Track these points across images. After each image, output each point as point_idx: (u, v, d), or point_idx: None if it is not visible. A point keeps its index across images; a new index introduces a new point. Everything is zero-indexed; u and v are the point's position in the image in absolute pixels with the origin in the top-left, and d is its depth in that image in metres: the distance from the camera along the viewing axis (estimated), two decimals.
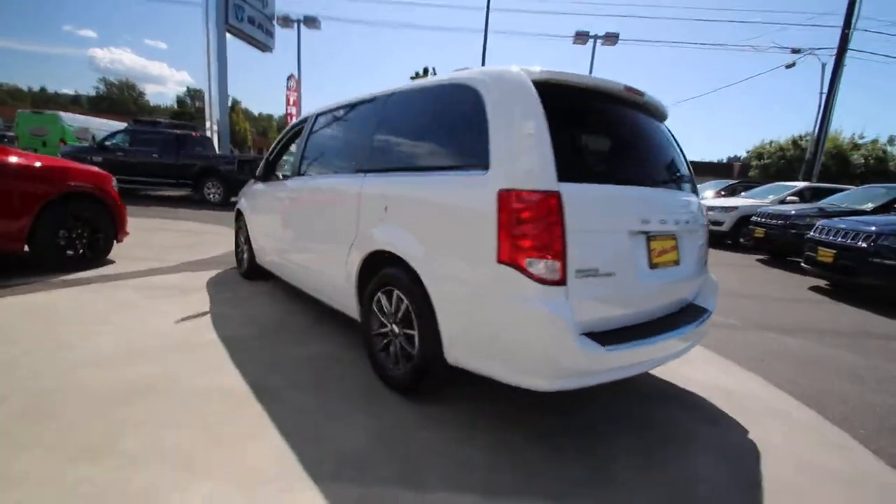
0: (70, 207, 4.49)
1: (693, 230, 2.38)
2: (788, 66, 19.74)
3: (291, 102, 19.13)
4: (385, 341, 2.49)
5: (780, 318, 4.66)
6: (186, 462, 1.77)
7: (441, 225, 2.06)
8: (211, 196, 11.41)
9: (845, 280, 5.58)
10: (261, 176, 4.18)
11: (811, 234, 6.27)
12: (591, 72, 19.62)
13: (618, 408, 2.44)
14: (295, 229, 3.38)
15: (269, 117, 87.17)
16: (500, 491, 1.72)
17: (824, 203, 8.38)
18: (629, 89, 2.20)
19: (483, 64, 18.53)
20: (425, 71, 31.59)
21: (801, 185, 10.53)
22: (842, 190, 9.25)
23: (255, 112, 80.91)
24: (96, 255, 4.80)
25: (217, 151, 13.64)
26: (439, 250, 2.05)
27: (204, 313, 3.50)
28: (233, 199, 11.74)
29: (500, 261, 1.79)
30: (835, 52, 17.35)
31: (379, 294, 2.47)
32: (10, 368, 2.41)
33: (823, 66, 18.41)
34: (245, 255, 4.67)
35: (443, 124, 2.27)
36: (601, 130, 2.10)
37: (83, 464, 1.72)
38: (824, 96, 17.66)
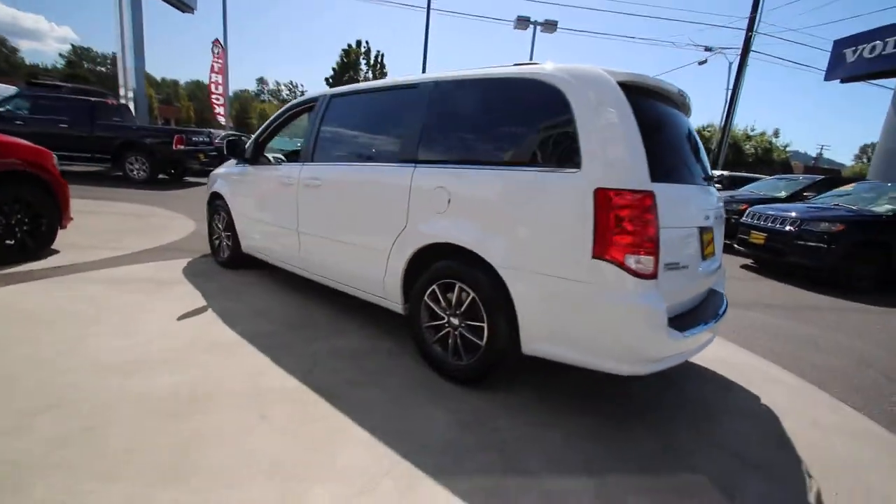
0: (7, 189, 3.83)
1: (720, 222, 2.64)
2: (701, 63, 21.73)
3: (217, 70, 17.31)
4: (440, 333, 2.49)
5: (732, 294, 5.29)
6: (285, 471, 1.68)
7: (524, 221, 2.08)
8: (134, 173, 10.18)
9: (775, 259, 6.43)
10: (250, 158, 3.85)
11: (744, 218, 7.11)
12: (531, 56, 20.13)
13: (657, 389, 2.67)
14: (311, 219, 3.19)
15: (175, 83, 78.56)
16: (600, 469, 1.85)
17: (745, 191, 9.51)
18: (680, 92, 2.36)
19: (426, 40, 18.23)
20: (358, 43, 30.32)
21: (719, 173, 11.79)
22: (756, 179, 10.53)
23: (158, 77, 72.09)
24: (39, 244, 4.17)
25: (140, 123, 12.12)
26: (522, 246, 2.08)
27: (203, 308, 3.22)
28: (161, 176, 10.62)
29: (596, 256, 1.88)
30: (740, 52, 19.42)
31: (434, 287, 2.46)
32: (20, 384, 2.08)
33: (730, 64, 20.56)
34: (225, 243, 4.31)
35: (513, 119, 2.27)
36: (665, 131, 2.23)
37: (169, 488, 1.56)
38: (730, 92, 19.79)
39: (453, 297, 2.40)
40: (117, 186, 9.38)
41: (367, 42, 30.66)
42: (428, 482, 1.68)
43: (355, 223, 2.87)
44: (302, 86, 77.36)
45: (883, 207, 6.16)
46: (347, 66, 29.00)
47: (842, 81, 17.65)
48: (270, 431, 1.89)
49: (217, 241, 4.46)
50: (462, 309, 2.36)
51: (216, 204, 4.35)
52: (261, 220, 3.75)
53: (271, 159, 4.04)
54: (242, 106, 64.40)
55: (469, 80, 2.43)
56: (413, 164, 2.53)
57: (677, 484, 1.82)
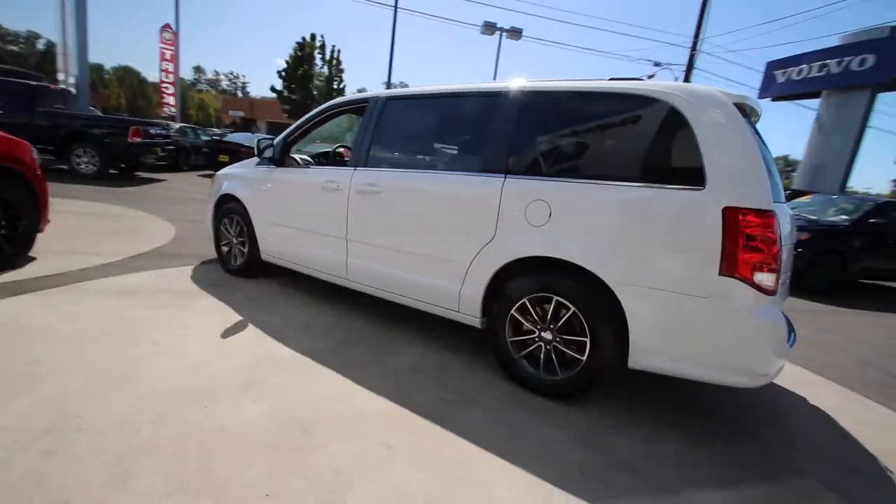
0: None
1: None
2: (649, 77, 23.11)
3: (168, 57, 15.91)
4: (530, 348, 2.45)
5: None
6: None
7: (642, 237, 2.09)
8: (82, 167, 9.16)
9: None
10: (277, 159, 3.58)
11: None
12: (497, 62, 20.42)
13: (716, 395, 2.78)
14: (365, 227, 3.02)
15: (99, 67, 71.76)
16: (730, 480, 1.90)
17: None
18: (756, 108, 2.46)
19: (393, 39, 17.96)
20: (312, 37, 29.25)
21: None
22: None
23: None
24: (17, 249, 3.63)
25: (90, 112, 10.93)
26: (639, 262, 2.09)
27: (242, 324, 2.96)
28: (112, 171, 9.65)
29: (724, 273, 1.93)
30: (685, 68, 20.92)
31: (524, 301, 2.41)
32: (96, 421, 1.78)
33: (675, 79, 22.09)
34: (237, 250, 3.99)
35: (622, 134, 2.28)
36: (762, 150, 2.33)
37: None
38: None
39: (548, 311, 2.36)
40: (63, 181, 8.38)
41: (322, 36, 29.65)
42: None
43: (427, 234, 2.75)
44: (243, 77, 73.44)
45: (839, 217, 6.87)
46: (302, 61, 27.83)
47: (773, 100, 19.54)
48: (405, 463, 1.76)
49: (227, 248, 4.11)
50: (558, 324, 2.33)
51: (227, 207, 4.01)
52: (291, 226, 3.50)
53: (299, 161, 3.79)
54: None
55: (568, 91, 2.41)
56: (503, 175, 2.46)
57: (799, 490, 1.91)
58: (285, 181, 3.56)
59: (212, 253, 4.57)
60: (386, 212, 2.91)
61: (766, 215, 1.90)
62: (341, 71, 30.33)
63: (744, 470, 2.00)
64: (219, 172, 4.32)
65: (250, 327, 2.91)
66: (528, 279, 2.39)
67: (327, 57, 29.53)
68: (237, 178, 3.96)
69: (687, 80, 20.46)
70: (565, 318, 2.30)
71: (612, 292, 2.15)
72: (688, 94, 2.09)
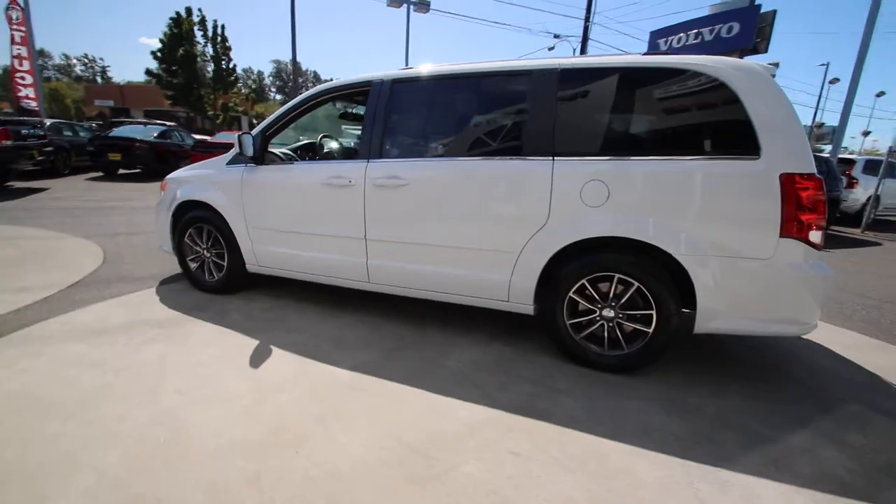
0: None
1: None
2: (550, 49, 24.16)
3: (19, 41, 12.86)
4: (593, 327, 2.48)
5: None
6: None
7: (703, 208, 2.17)
8: None
9: None
10: (258, 157, 3.14)
11: None
12: (407, 35, 19.86)
13: (752, 350, 3.05)
14: (390, 224, 2.78)
15: None
16: (808, 420, 2.11)
17: None
18: None
19: (293, 16, 16.56)
20: (189, 11, 25.94)
21: None
22: None
23: None
24: None
25: None
26: (703, 232, 2.17)
27: (264, 349, 2.62)
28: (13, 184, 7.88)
29: (785, 235, 2.08)
30: (580, 39, 22.15)
31: (583, 281, 2.42)
32: (175, 496, 1.46)
33: (574, 50, 23.31)
34: (213, 263, 3.49)
35: (669, 109, 2.31)
36: None
37: None
38: None
39: (609, 289, 2.40)
40: None
41: (200, 10, 26.41)
42: (743, 478, 1.69)
43: (466, 226, 2.61)
44: (101, 60, 63.58)
45: None
46: (180, 39, 24.57)
47: None
48: (546, 468, 1.69)
49: (197, 263, 3.57)
50: (621, 300, 2.38)
51: (192, 217, 3.46)
52: (288, 231, 3.12)
53: (282, 157, 3.37)
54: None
55: (610, 67, 2.38)
56: (550, 157, 2.40)
57: (850, 414, 2.18)
58: (274, 181, 3.14)
59: (167, 270, 3.98)
60: (415, 206, 2.70)
61: (815, 178, 2.07)
62: (228, 49, 27.49)
63: (803, 407, 2.23)
64: (170, 177, 3.70)
65: (277, 351, 2.58)
66: (586, 260, 2.39)
67: (209, 33, 26.48)
68: (203, 182, 3.42)
69: (583, 50, 21.73)
70: (629, 294, 2.35)
71: (677, 264, 2.23)
72: (732, 66, 2.18)
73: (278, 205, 3.14)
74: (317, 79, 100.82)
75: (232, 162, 3.30)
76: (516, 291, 2.58)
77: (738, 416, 2.10)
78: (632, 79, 2.36)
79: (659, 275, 2.28)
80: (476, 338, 2.87)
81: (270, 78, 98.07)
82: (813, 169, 2.08)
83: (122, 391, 2.09)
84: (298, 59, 17.69)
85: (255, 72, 76.13)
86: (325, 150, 3.91)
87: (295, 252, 3.15)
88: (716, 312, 2.24)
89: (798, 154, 2.09)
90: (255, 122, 38.74)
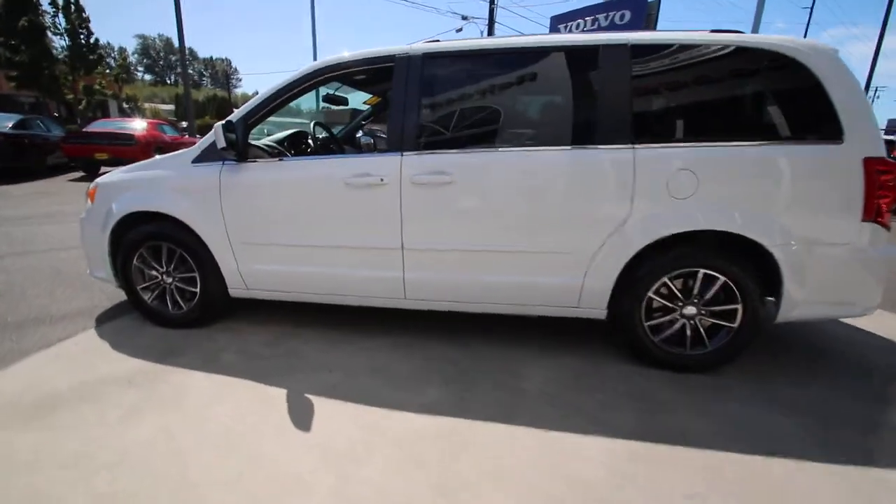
0: None
1: None
2: (458, 31, 24.04)
3: None
4: (674, 328, 2.32)
5: None
6: None
7: (789, 195, 2.08)
8: None
9: None
10: (241, 152, 2.45)
11: None
12: (314, 22, 18.31)
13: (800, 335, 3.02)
14: (434, 229, 2.32)
15: None
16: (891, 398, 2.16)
17: None
18: None
19: None
20: None
21: None
22: None
23: None
24: None
25: None
26: (790, 220, 2.09)
27: (295, 398, 2.07)
28: None
29: (866, 219, 2.07)
30: (487, 21, 22.36)
31: (665, 279, 2.25)
32: None
33: (481, 32, 23.47)
34: (177, 290, 2.75)
35: (745, 91, 2.18)
36: None
37: None
38: None
39: (692, 285, 2.25)
40: None
41: None
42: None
43: (530, 227, 2.27)
44: None
45: None
46: (20, 6, 19.89)
47: None
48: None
49: (155, 292, 2.78)
50: (705, 296, 2.25)
51: (143, 233, 2.66)
52: (294, 244, 2.51)
53: (268, 150, 2.70)
54: None
55: (681, 44, 2.16)
56: (629, 146, 2.15)
57: None
58: (270, 183, 2.49)
59: (99, 301, 3.15)
60: (466, 206, 2.29)
61: (890, 162, 2.08)
62: (86, 21, 23.12)
63: (874, 385, 2.30)
64: (101, 181, 2.81)
65: (316, 400, 2.04)
66: (670, 256, 2.21)
67: (60, 1, 22.00)
68: (158, 187, 2.62)
69: (490, 33, 21.98)
70: (714, 289, 2.22)
71: (765, 254, 2.13)
72: (809, 47, 2.09)
73: (277, 213, 2.50)
74: (193, 56, 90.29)
75: (201, 159, 2.56)
76: (589, 296, 2.32)
77: (833, 406, 2.08)
78: (706, 57, 2.18)
79: (746, 266, 2.18)
80: (530, 350, 2.57)
81: (136, 56, 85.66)
82: (883, 152, 2.09)
83: (134, 495, 1.45)
84: (169, 34, 15.21)
85: (116, 48, 65.46)
86: (322, 141, 3.25)
87: (303, 270, 2.55)
88: (798, 300, 2.20)
89: (875, 138, 2.08)
90: (126, 106, 33.33)
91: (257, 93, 2.60)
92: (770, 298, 2.26)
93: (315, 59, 19.96)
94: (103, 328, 2.74)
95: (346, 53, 2.48)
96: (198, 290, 2.70)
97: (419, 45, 2.37)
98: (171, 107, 42.37)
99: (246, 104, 2.54)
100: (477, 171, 2.26)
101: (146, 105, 40.37)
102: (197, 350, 2.49)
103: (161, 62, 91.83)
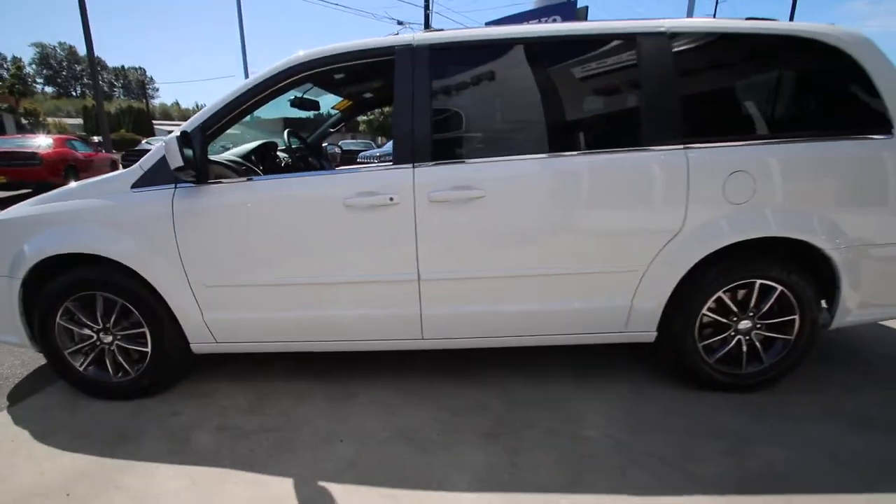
0: None
1: None
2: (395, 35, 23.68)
3: None
4: (729, 346, 2.08)
5: None
6: None
7: (847, 195, 1.92)
8: None
9: None
10: (199, 172, 1.91)
11: None
12: (241, 20, 17.12)
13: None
14: (459, 255, 1.94)
15: None
16: None
17: None
18: None
19: None
20: None
21: None
22: None
23: None
24: None
25: None
26: (848, 221, 1.91)
27: (321, 495, 1.60)
28: None
29: None
30: (423, 27, 22.21)
31: (720, 294, 2.01)
32: None
33: None
34: (120, 350, 2.15)
35: (791, 83, 1.99)
36: None
37: None
38: None
39: (747, 298, 2.02)
40: None
41: None
42: None
43: (571, 244, 1.94)
44: None
45: None
46: None
47: None
48: None
49: (88, 357, 2.16)
50: (761, 309, 2.03)
51: (70, 281, 2.05)
52: (278, 283, 2.01)
53: (234, 167, 2.18)
54: None
55: (720, 33, 1.93)
56: (681, 146, 1.88)
57: None
58: (240, 208, 1.97)
59: (7, 372, 2.41)
60: (496, 225, 1.91)
61: None
62: None
63: None
64: (2, 217, 2.13)
65: (334, 488, 1.58)
66: (725, 268, 1.97)
67: None
68: (85, 221, 2.01)
69: None
70: (771, 300, 2.01)
71: (822, 259, 1.95)
72: (849, 35, 1.92)
73: (253, 246, 1.98)
74: (102, 66, 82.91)
75: (144, 183, 1.99)
76: (638, 317, 2.03)
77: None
78: (747, 47, 1.96)
79: (804, 274, 1.98)
80: (565, 379, 2.25)
81: (34, 66, 77.30)
82: None
83: None
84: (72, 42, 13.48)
85: (10, 58, 58.54)
86: (300, 154, 2.72)
87: (290, 315, 2.05)
88: (853, 305, 2.04)
89: None
90: (25, 121, 29.45)
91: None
92: (824, 305, 2.08)
93: (245, 63, 18.78)
94: (21, 409, 2.09)
95: (328, 46, 2.02)
96: (148, 348, 2.12)
97: (423, 35, 1.97)
98: (79, 121, 38.39)
99: (202, 111, 2.00)
100: (511, 182, 1.90)
101: (49, 120, 36.20)
102: (158, 431, 1.92)
103: (64, 72, 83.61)
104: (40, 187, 8.14)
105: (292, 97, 2.76)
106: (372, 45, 1.98)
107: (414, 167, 1.88)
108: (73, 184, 2.22)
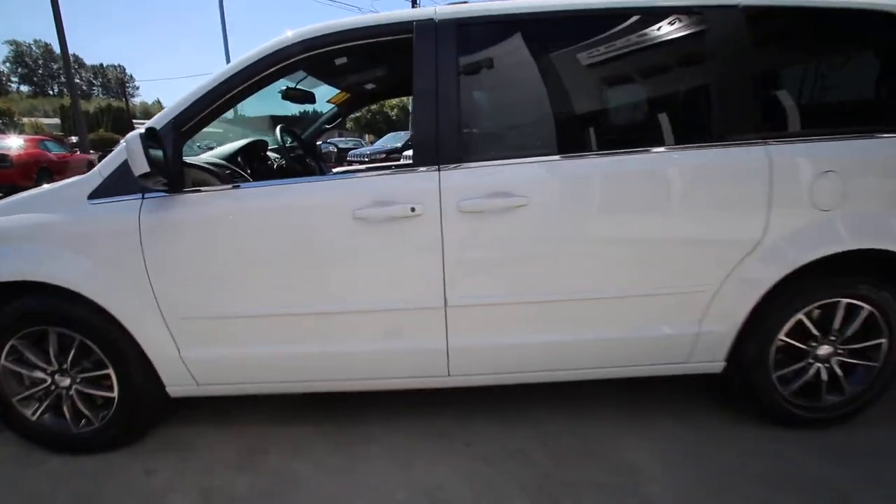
0: None
1: None
2: None
3: None
4: (807, 376, 1.78)
5: None
6: None
7: None
8: None
9: None
10: (173, 178, 1.54)
11: None
12: (223, 14, 16.50)
13: None
14: (495, 275, 1.61)
15: None
16: None
17: None
18: None
19: None
20: None
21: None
22: None
23: None
24: None
25: None
26: None
27: None
28: None
29: None
30: None
31: (800, 316, 1.70)
32: None
33: None
34: (79, 395, 1.78)
35: (870, 66, 1.69)
36: None
37: None
38: None
39: (832, 320, 1.72)
40: None
41: None
42: None
43: (629, 260, 1.62)
44: None
45: None
46: None
47: None
48: None
49: (42, 404, 1.79)
50: (846, 331, 1.73)
51: (15, 313, 1.68)
52: (269, 312, 1.65)
53: (216, 172, 1.81)
54: None
55: (799, 7, 1.62)
56: (762, 142, 1.56)
57: None
58: (225, 222, 1.61)
59: None
60: (541, 238, 1.58)
61: None
62: None
63: None
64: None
65: None
66: (808, 284, 1.67)
67: None
68: (33, 240, 1.64)
69: None
70: (857, 322, 1.71)
71: None
72: None
73: (242, 269, 1.62)
74: (79, 64, 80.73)
75: (104, 193, 1.61)
76: (705, 346, 1.72)
77: None
78: (840, 24, 1.65)
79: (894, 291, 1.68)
80: (608, 415, 1.93)
81: (8, 64, 75.11)
82: None
83: None
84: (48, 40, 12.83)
85: None
86: (295, 154, 2.34)
87: (287, 350, 1.69)
88: None
89: None
90: None
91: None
92: None
93: (228, 60, 18.12)
94: None
95: (323, 24, 1.66)
96: (115, 393, 1.74)
97: (448, 9, 1.61)
98: (56, 120, 37.13)
99: (175, 103, 1.63)
100: (559, 187, 1.56)
101: (25, 119, 34.94)
102: (128, 495, 1.56)
103: (40, 71, 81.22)
104: (11, 191, 7.62)
105: (283, 88, 2.38)
106: (383, 20, 1.62)
107: (440, 170, 1.54)
108: (18, 195, 1.84)
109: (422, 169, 1.54)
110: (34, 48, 79.04)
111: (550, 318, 1.66)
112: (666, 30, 1.62)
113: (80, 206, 1.61)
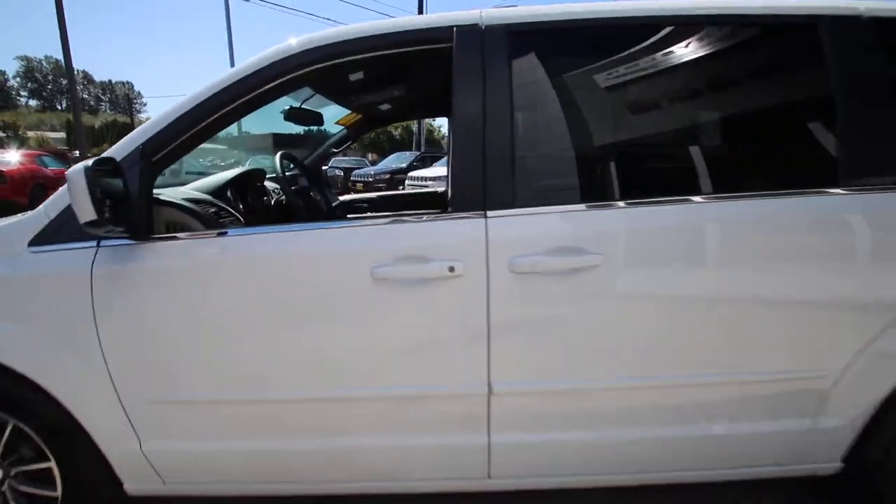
0: None
1: None
2: None
3: None
4: None
5: None
6: None
7: None
8: None
9: None
10: (136, 221, 1.18)
11: None
12: (229, 31, 16.49)
13: None
14: (552, 353, 1.23)
15: None
16: None
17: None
18: None
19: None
20: None
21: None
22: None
23: None
24: None
25: None
26: None
27: None
28: None
29: None
30: None
31: None
32: None
33: None
34: (18, 495, 1.37)
35: None
36: None
37: None
38: None
39: None
40: None
41: None
42: None
43: (737, 337, 1.24)
44: None
45: None
46: None
47: None
48: None
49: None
50: None
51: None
52: (259, 396, 1.27)
53: (192, 208, 1.45)
54: None
55: None
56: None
57: None
58: (204, 279, 1.24)
59: None
60: (618, 308, 1.21)
61: None
62: None
63: None
64: None
65: None
66: None
67: None
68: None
69: None
70: None
71: None
72: None
73: (226, 339, 1.25)
74: (87, 80, 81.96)
75: (48, 238, 1.25)
76: (818, 444, 1.33)
77: None
78: None
79: None
80: None
81: (18, 79, 76.35)
82: None
83: None
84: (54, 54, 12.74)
85: None
86: (296, 185, 1.98)
87: (284, 446, 1.30)
88: None
89: None
90: (2, 134, 27.95)
91: None
92: None
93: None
94: None
95: (334, 30, 1.32)
96: (58, 492, 1.35)
97: (497, 13, 1.27)
98: (61, 134, 37.32)
99: (146, 125, 1.28)
100: (644, 241, 1.19)
101: (31, 133, 35.05)
102: None
103: (49, 86, 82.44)
104: (4, 208, 7.31)
105: (288, 108, 2.03)
106: (412, 26, 1.28)
107: (486, 217, 1.17)
108: None
109: (462, 215, 1.18)
110: (45, 64, 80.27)
111: (623, 409, 1.28)
112: (771, 42, 1.27)
113: (16, 254, 1.25)
